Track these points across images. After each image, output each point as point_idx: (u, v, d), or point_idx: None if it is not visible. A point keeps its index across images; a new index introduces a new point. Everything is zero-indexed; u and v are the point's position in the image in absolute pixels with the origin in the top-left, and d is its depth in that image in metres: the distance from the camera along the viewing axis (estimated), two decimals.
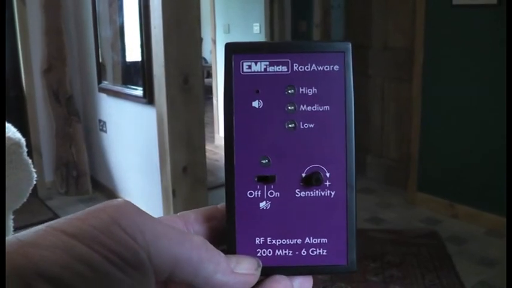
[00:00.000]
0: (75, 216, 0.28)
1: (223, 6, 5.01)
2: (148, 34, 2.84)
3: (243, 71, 0.35)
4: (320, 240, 0.35)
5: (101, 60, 3.51)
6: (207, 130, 3.18)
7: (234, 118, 0.34)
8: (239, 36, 4.85)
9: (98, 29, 3.47)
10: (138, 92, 3.02)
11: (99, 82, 3.55)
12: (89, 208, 0.28)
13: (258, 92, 0.34)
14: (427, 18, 3.23)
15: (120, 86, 3.29)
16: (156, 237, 0.28)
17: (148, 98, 2.94)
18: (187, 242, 0.29)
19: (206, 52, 7.00)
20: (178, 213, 0.35)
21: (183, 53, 2.83)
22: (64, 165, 4.04)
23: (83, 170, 4.03)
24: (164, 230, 0.29)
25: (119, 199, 0.29)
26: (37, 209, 3.78)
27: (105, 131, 3.74)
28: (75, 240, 0.26)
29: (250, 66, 0.34)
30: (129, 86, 3.17)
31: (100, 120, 3.78)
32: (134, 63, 3.09)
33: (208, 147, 3.96)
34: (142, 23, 2.87)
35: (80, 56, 3.93)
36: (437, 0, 3.15)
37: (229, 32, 4.94)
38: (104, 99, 3.62)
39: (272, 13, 4.27)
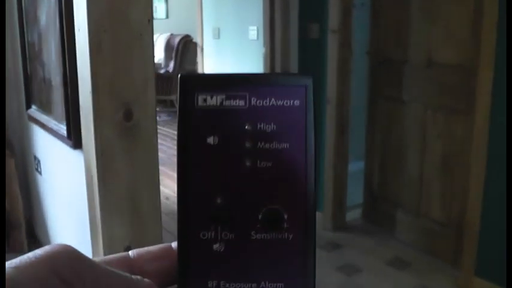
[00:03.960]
0: (14, 265, 0.26)
1: (212, 5, 3.99)
2: (71, 41, 1.80)
3: (197, 105, 0.32)
4: (276, 285, 0.32)
5: (29, 75, 2.47)
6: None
7: (187, 155, 0.32)
8: (231, 43, 3.82)
9: (25, 31, 2.44)
10: (62, 129, 1.98)
11: (28, 107, 2.52)
12: (28, 255, 0.27)
13: (213, 127, 0.32)
14: (500, 24, 2.16)
15: (47, 116, 2.25)
16: (96, 285, 0.27)
17: (74, 140, 1.90)
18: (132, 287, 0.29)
19: None
20: (130, 252, 0.33)
21: (123, 72, 1.82)
22: None
23: (16, 221, 3.00)
24: (106, 277, 0.28)
25: (60, 244, 0.28)
26: None
27: (40, 172, 2.71)
28: None
29: (205, 100, 0.32)
30: (54, 118, 2.12)
31: (35, 157, 2.74)
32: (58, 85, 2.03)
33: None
34: (64, 22, 1.83)
35: (14, 67, 2.89)
36: None
37: (219, 38, 3.94)
38: (35, 130, 2.59)
39: (273, 14, 3.21)
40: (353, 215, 3.35)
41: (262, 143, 0.32)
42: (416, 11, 2.78)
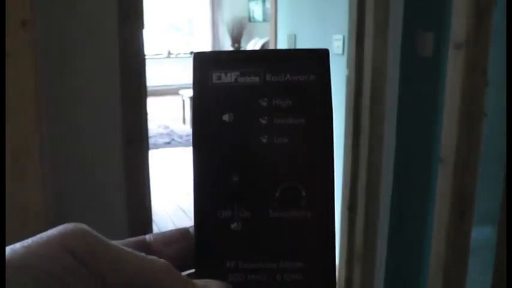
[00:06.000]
0: (26, 244, 0.25)
1: (289, 7, 3.02)
2: None
3: (212, 82, 0.32)
4: (296, 264, 0.31)
5: None
6: None
7: (203, 133, 0.32)
8: None
9: None
10: None
11: None
12: (40, 235, 0.26)
13: (228, 104, 0.32)
14: None
15: None
16: (111, 264, 0.26)
17: None
18: (147, 266, 0.27)
19: None
20: (146, 236, 0.32)
21: None
22: None
23: None
24: (120, 255, 0.26)
25: (72, 223, 0.26)
26: None
27: None
28: (20, 273, 0.24)
29: (220, 77, 0.32)
30: None
31: None
32: None
33: None
34: None
35: None
36: None
37: (295, 46, 2.98)
38: None
39: (362, 19, 2.10)
40: None
41: (278, 119, 0.31)
42: None
